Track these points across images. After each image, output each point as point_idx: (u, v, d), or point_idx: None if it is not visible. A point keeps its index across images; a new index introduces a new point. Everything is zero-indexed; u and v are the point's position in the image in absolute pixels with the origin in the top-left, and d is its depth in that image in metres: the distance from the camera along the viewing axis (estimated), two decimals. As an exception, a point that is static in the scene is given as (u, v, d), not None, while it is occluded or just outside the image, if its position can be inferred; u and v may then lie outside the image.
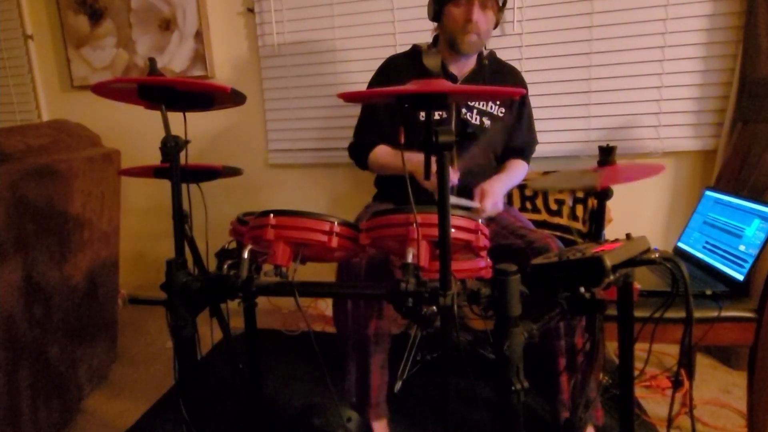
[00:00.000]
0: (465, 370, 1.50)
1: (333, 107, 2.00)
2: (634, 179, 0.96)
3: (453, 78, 1.44)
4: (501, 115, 1.47)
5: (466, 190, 1.40)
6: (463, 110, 1.43)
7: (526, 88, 1.57)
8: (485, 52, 1.50)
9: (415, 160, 1.28)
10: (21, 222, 1.22)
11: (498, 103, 1.46)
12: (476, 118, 1.44)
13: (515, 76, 1.54)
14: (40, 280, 1.29)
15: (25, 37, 2.25)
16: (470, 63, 1.46)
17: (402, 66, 1.48)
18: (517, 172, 1.48)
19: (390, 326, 1.25)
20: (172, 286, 0.88)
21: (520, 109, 1.52)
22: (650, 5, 1.67)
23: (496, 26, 1.40)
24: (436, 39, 1.48)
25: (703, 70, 1.68)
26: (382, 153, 1.46)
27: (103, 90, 0.87)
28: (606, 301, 0.80)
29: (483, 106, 1.45)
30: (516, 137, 1.52)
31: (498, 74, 1.49)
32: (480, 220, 0.85)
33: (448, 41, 1.39)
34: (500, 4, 1.35)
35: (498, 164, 1.52)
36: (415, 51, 1.50)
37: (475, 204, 1.27)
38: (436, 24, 1.44)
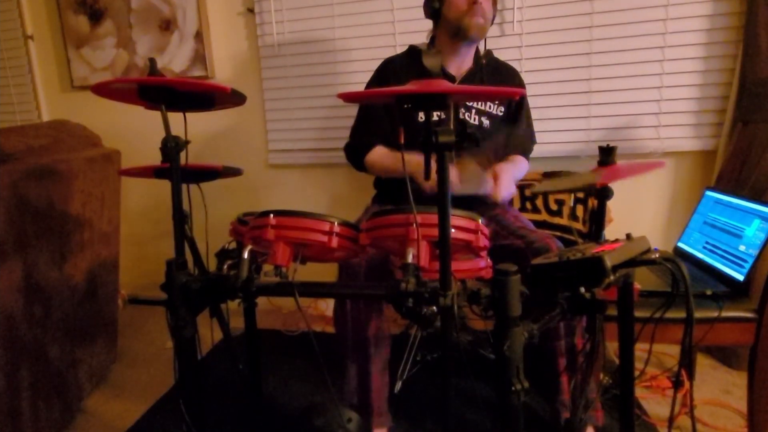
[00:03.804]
0: (465, 370, 1.50)
1: (333, 107, 2.00)
2: (634, 174, 0.95)
3: (451, 78, 1.43)
4: (500, 114, 1.47)
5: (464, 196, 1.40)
6: (462, 110, 1.43)
7: (524, 86, 1.57)
8: (482, 51, 1.50)
9: (414, 161, 1.27)
10: (21, 222, 1.22)
11: (497, 102, 1.46)
12: (475, 118, 1.44)
13: (513, 76, 1.55)
14: (40, 280, 1.29)
15: (25, 37, 2.25)
16: (467, 62, 1.46)
17: (400, 67, 1.48)
18: (520, 165, 1.47)
19: (390, 329, 1.25)
20: (172, 287, 0.88)
21: (518, 108, 1.52)
22: (650, 5, 1.67)
23: (493, 20, 1.41)
24: (432, 40, 1.48)
25: (703, 70, 1.68)
26: (381, 154, 1.45)
27: (103, 90, 0.87)
28: (606, 301, 0.80)
29: (481, 105, 1.45)
30: (514, 135, 1.51)
31: (496, 73, 1.49)
32: (480, 220, 0.85)
33: (451, 31, 1.37)
34: None
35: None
36: (413, 52, 1.49)
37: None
38: (433, 24, 1.44)
